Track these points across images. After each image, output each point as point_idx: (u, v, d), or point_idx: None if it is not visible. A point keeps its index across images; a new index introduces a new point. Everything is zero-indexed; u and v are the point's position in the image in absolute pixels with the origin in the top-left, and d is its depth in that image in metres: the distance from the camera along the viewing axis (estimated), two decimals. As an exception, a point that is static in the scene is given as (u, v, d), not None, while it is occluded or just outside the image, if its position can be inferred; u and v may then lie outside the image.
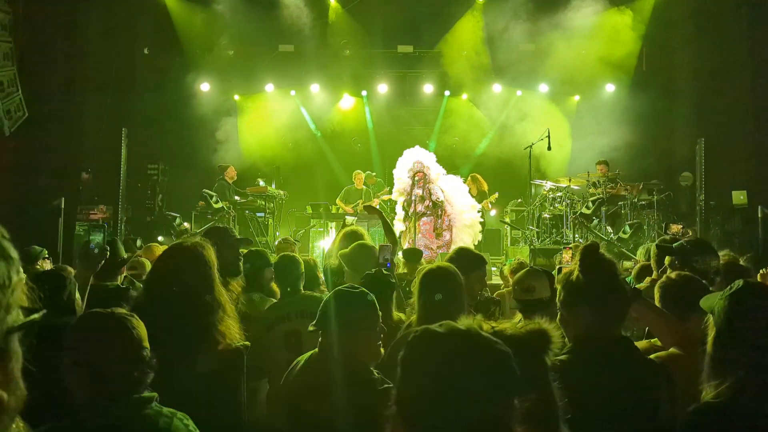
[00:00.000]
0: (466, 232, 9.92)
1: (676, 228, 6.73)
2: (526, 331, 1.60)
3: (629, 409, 2.06)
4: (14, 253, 0.94)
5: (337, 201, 12.43)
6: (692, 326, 2.70)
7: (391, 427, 1.32)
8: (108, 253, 3.03)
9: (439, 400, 1.22)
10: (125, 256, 3.22)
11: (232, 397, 2.53)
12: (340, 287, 2.64)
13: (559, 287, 2.36)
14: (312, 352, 2.60)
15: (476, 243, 10.01)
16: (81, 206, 11.22)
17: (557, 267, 3.10)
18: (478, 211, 10.28)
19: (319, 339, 2.52)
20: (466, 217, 10.01)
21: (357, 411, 2.23)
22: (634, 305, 2.50)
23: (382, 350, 2.51)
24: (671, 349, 2.63)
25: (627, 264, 5.72)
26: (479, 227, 10.16)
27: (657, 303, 2.88)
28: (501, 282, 7.15)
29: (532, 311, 3.06)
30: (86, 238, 10.55)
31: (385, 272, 3.51)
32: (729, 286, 1.92)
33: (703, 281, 2.97)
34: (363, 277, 3.48)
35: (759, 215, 9.69)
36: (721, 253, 3.96)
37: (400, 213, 10.26)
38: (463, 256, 3.94)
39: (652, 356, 2.54)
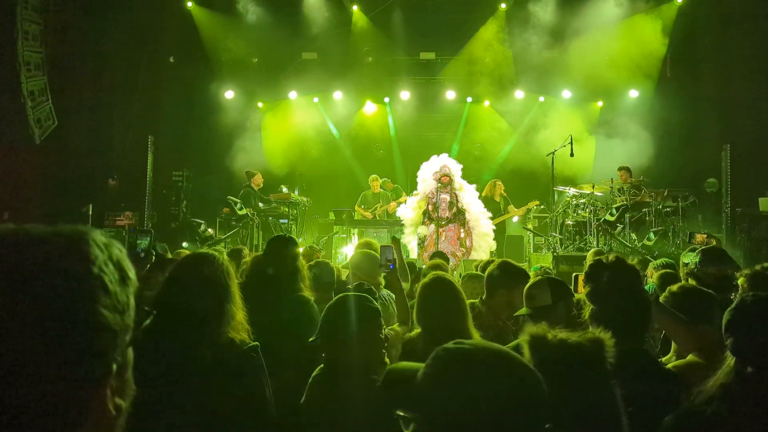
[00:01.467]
0: (484, 240, 9.95)
1: (701, 237, 6.68)
2: (587, 339, 1.62)
3: (649, 425, 2.07)
4: (132, 274, 0.97)
5: (356, 207, 12.50)
6: (700, 336, 2.71)
7: None
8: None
9: (466, 419, 1.15)
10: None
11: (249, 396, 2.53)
12: (338, 296, 2.65)
13: (584, 300, 2.39)
14: (320, 367, 2.54)
15: (492, 251, 10.04)
16: (108, 213, 11.41)
17: (573, 275, 3.10)
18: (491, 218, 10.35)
19: (323, 354, 2.47)
20: (482, 224, 10.07)
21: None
22: (656, 314, 2.52)
23: (387, 360, 2.47)
24: (690, 357, 2.65)
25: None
26: (492, 235, 10.20)
27: None
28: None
29: (536, 319, 3.08)
30: (134, 243, 10.74)
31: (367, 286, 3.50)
32: (736, 299, 1.97)
33: (708, 290, 2.97)
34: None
35: (787, 222, 9.58)
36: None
37: (406, 218, 10.32)
38: (506, 270, 3.82)
39: (670, 365, 2.56)
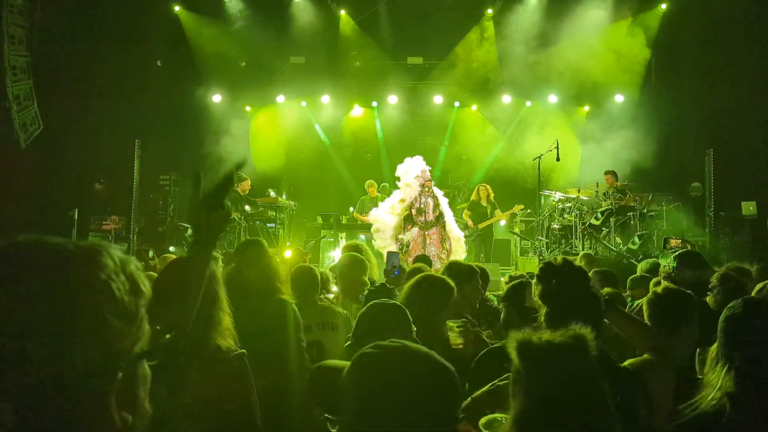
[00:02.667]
0: (458, 244, 10.03)
1: (675, 242, 6.79)
2: (569, 336, 1.66)
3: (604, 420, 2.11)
4: (146, 288, 1.00)
5: (355, 214, 12.51)
6: (681, 339, 2.78)
7: None
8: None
9: (383, 415, 1.23)
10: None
11: (236, 404, 2.55)
12: (373, 301, 2.67)
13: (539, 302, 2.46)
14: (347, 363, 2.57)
15: (464, 254, 10.12)
16: (94, 217, 11.36)
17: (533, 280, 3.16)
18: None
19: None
20: (456, 229, 10.16)
21: None
22: (608, 314, 2.59)
23: None
24: (645, 356, 2.71)
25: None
26: (463, 239, 10.30)
27: (646, 318, 2.96)
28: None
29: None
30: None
31: (388, 285, 3.55)
32: (730, 304, 1.99)
33: (691, 294, 3.03)
34: (366, 292, 3.53)
35: (768, 226, 9.70)
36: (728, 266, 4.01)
37: (386, 224, 10.34)
38: (455, 269, 3.98)
39: (626, 363, 2.62)
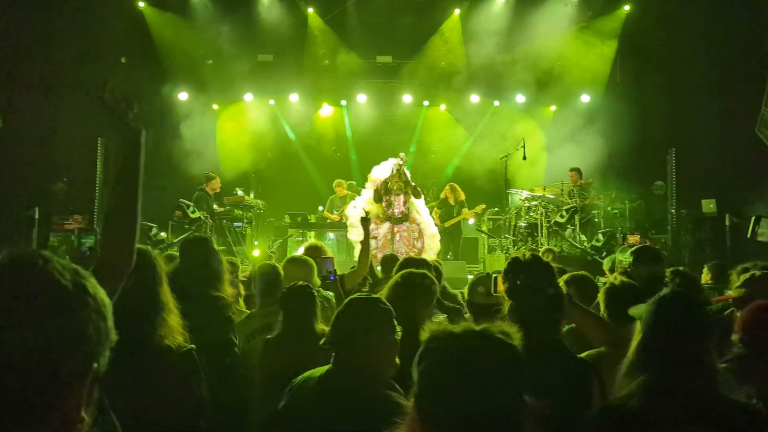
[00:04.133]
0: (433, 242, 10.09)
1: (633, 239, 6.92)
2: (496, 330, 1.66)
3: (564, 408, 2.14)
4: (107, 303, 1.03)
5: (322, 210, 12.49)
6: (609, 329, 2.84)
7: (407, 425, 1.37)
8: None
9: (454, 394, 1.29)
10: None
11: (183, 398, 2.51)
12: (352, 296, 2.61)
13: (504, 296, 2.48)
14: (327, 368, 2.42)
15: (449, 253, 10.19)
16: (55, 216, 11.14)
17: (493, 276, 3.18)
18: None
19: (333, 355, 2.37)
20: (431, 227, 10.21)
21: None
22: (569, 309, 2.63)
23: (397, 360, 2.39)
24: (601, 348, 2.76)
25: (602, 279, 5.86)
26: (438, 237, 10.36)
27: (602, 308, 3.01)
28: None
29: (492, 314, 3.14)
30: (77, 243, 10.54)
31: (304, 284, 3.51)
32: (656, 295, 2.04)
33: (642, 288, 3.09)
34: (283, 292, 3.49)
35: (727, 223, 9.91)
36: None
37: (354, 219, 10.35)
38: (408, 266, 3.92)
39: (582, 355, 2.67)
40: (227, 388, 3.14)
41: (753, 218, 3.03)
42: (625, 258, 3.83)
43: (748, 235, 3.05)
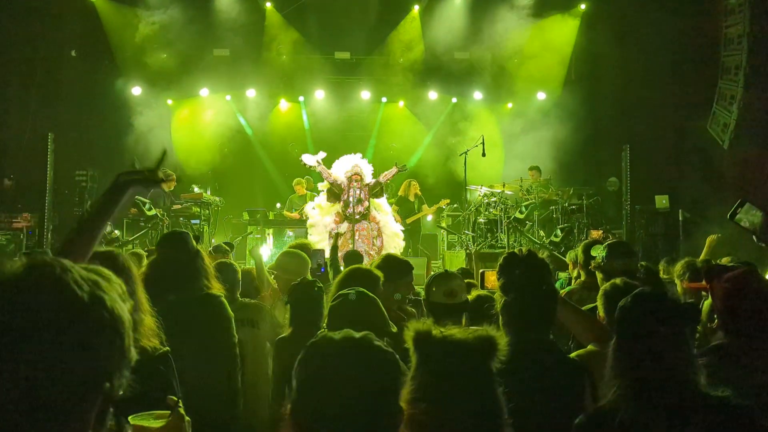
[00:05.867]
0: (394, 240, 10.08)
1: (596, 234, 7.06)
2: (474, 337, 1.65)
3: (556, 409, 2.15)
4: (126, 319, 0.99)
5: (280, 208, 12.35)
6: (598, 327, 2.86)
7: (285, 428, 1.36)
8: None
9: (327, 402, 1.29)
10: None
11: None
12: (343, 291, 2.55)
13: (498, 295, 2.46)
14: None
15: (400, 251, 10.18)
16: (4, 214, 10.74)
17: (480, 271, 3.18)
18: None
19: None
20: (391, 225, 10.19)
21: None
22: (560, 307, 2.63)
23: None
24: (590, 347, 2.77)
25: (563, 274, 5.95)
26: (402, 235, 10.35)
27: (600, 310, 3.00)
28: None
29: (454, 315, 3.13)
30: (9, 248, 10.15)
31: (311, 279, 3.49)
32: (624, 298, 2.01)
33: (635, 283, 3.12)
34: (290, 288, 3.44)
35: (680, 219, 10.20)
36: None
37: (313, 219, 10.29)
38: (390, 263, 3.92)
39: (572, 354, 2.67)
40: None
41: (739, 200, 3.10)
42: (599, 253, 3.86)
43: (728, 214, 3.11)
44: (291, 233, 12.33)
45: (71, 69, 12.69)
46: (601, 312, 3.00)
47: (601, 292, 3.05)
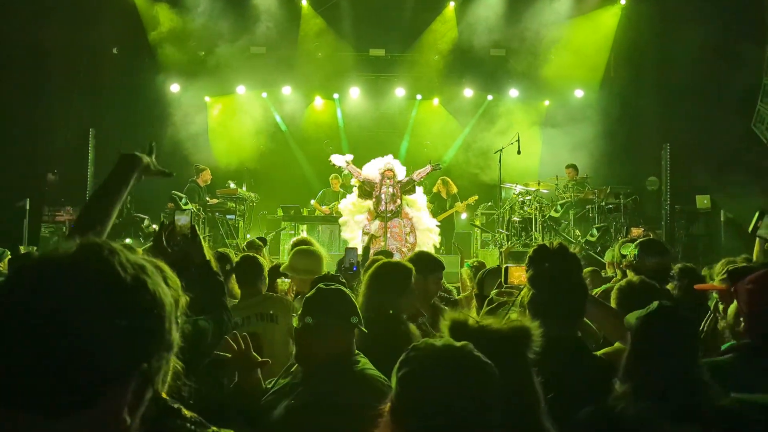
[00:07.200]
0: (427, 236, 10.02)
1: (637, 232, 6.89)
2: (509, 327, 1.65)
3: (582, 407, 2.11)
4: (168, 304, 1.01)
5: (313, 202, 12.41)
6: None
7: (381, 427, 1.43)
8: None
9: (429, 410, 1.36)
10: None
11: None
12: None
13: (525, 288, 2.43)
14: None
15: (435, 246, 10.13)
16: (47, 208, 11.03)
17: (503, 266, 3.13)
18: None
19: None
20: (425, 221, 10.14)
21: None
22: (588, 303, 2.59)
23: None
24: (617, 344, 2.72)
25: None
26: (437, 230, 10.28)
27: (612, 303, 2.96)
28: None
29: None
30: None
31: (338, 275, 3.46)
32: (646, 308, 2.04)
33: (658, 286, 3.05)
34: (312, 282, 3.43)
35: (722, 219, 9.93)
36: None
37: (346, 217, 10.30)
38: (421, 259, 3.93)
39: (599, 353, 2.62)
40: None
41: (758, 212, 3.00)
42: (630, 251, 3.78)
43: (750, 228, 3.03)
44: (322, 229, 12.37)
45: (112, 66, 12.97)
46: (613, 305, 2.95)
47: (616, 287, 3.01)
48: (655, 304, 2.05)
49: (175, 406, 1.04)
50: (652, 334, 1.97)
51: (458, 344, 1.45)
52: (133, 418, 0.93)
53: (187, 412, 1.05)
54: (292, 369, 2.53)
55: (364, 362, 2.41)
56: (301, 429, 2.21)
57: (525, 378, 1.61)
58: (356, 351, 2.45)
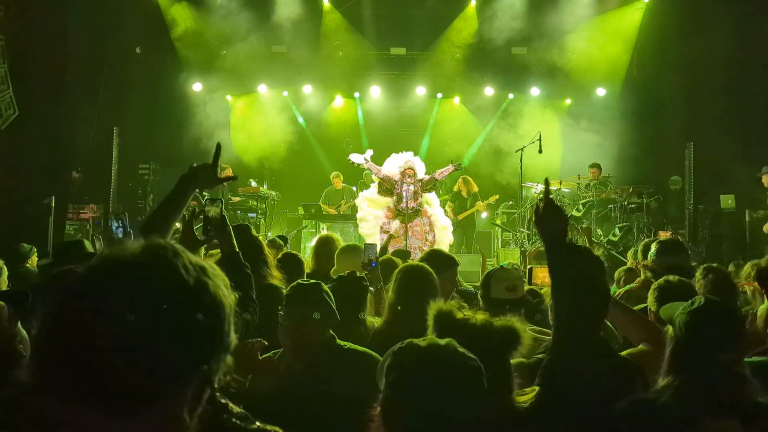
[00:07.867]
0: (444, 234, 10.02)
1: (664, 235, 6.80)
2: (498, 326, 1.65)
3: (607, 408, 2.10)
4: (228, 306, 1.02)
5: (322, 205, 12.46)
6: (649, 327, 2.78)
7: (374, 427, 1.43)
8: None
9: (416, 409, 1.37)
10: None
11: None
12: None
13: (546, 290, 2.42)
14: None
15: (451, 244, 10.13)
16: (71, 205, 11.17)
17: (528, 267, 3.12)
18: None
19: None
20: (441, 219, 10.13)
21: None
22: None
23: None
24: (641, 346, 2.70)
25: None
26: (451, 228, 10.27)
27: (651, 305, 2.92)
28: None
29: (513, 310, 3.08)
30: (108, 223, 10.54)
31: (359, 274, 3.47)
32: (690, 301, 2.06)
33: (688, 282, 3.03)
34: (334, 281, 3.44)
35: (746, 219, 9.79)
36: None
37: (363, 212, 10.29)
38: (434, 256, 4.01)
39: (624, 353, 2.61)
40: None
41: None
42: (650, 253, 3.75)
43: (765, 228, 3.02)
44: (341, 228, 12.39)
45: (136, 65, 13.10)
46: (652, 306, 2.91)
47: (654, 286, 2.97)
48: (701, 298, 2.06)
49: (223, 401, 1.05)
50: (702, 328, 1.98)
51: (442, 343, 1.44)
52: (192, 418, 0.94)
53: (234, 407, 1.07)
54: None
55: (345, 342, 2.69)
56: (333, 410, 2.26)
57: (495, 382, 1.59)
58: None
